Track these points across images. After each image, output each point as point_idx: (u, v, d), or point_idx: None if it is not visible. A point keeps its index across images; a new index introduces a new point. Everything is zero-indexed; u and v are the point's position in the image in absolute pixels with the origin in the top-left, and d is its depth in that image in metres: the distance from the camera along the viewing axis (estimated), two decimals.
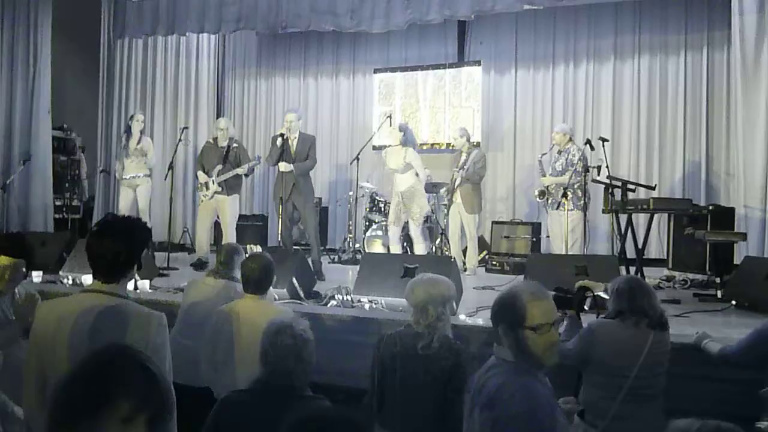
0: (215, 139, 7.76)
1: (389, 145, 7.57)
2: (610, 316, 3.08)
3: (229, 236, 7.53)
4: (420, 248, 7.24)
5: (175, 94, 10.34)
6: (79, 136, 10.36)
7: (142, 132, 8.03)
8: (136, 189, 7.96)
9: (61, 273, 5.98)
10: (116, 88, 9.82)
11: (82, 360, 1.40)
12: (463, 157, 7.63)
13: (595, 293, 3.35)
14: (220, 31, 9.10)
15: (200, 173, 7.72)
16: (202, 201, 7.75)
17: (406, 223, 7.37)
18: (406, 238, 7.70)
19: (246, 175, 7.90)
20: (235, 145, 7.76)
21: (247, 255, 3.77)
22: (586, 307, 3.40)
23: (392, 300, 4.79)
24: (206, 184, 7.63)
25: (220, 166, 7.58)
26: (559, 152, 7.24)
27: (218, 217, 7.84)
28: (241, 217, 8.50)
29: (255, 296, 3.37)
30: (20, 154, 8.86)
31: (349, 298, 5.09)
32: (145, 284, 5.65)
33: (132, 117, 8.13)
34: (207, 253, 7.71)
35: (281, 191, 6.93)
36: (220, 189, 7.57)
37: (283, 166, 6.88)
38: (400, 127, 7.29)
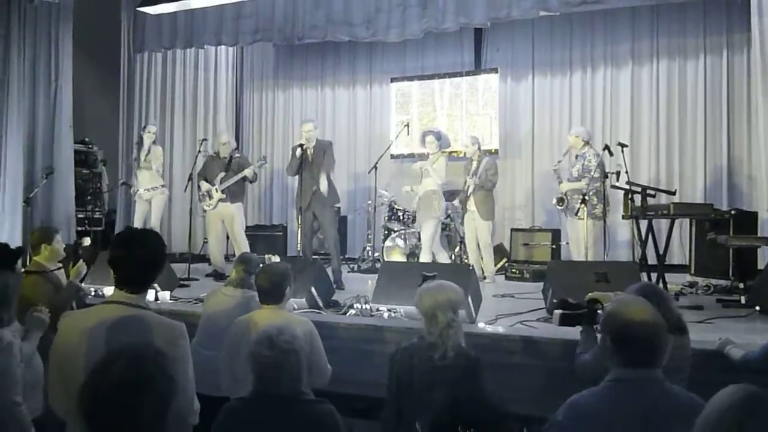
0: (217, 153, 7.86)
1: (409, 154, 7.61)
2: None
3: (241, 245, 7.57)
4: (425, 258, 7.32)
5: (194, 106, 10.44)
6: (100, 149, 10.48)
7: (154, 143, 8.07)
8: (151, 202, 8.00)
9: (83, 285, 6.04)
10: (136, 101, 9.94)
11: (109, 359, 1.45)
12: (474, 164, 7.65)
13: (607, 304, 3.32)
14: (238, 43, 9.18)
15: (202, 182, 7.74)
16: (205, 212, 7.79)
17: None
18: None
19: (251, 180, 7.90)
20: (237, 155, 7.84)
21: (263, 265, 3.80)
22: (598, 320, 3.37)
23: (411, 308, 4.74)
24: (209, 192, 7.65)
25: (222, 174, 7.63)
26: (576, 157, 7.21)
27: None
28: (260, 227, 8.58)
29: (272, 306, 3.38)
30: (43, 168, 8.98)
31: (368, 307, 5.10)
32: (165, 295, 5.70)
33: (145, 128, 8.21)
34: (222, 263, 7.76)
35: (301, 200, 6.97)
36: (223, 197, 7.60)
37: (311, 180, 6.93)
38: (433, 136, 7.65)
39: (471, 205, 7.57)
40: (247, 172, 7.62)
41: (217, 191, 7.61)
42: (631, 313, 2.20)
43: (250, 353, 2.44)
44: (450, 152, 9.80)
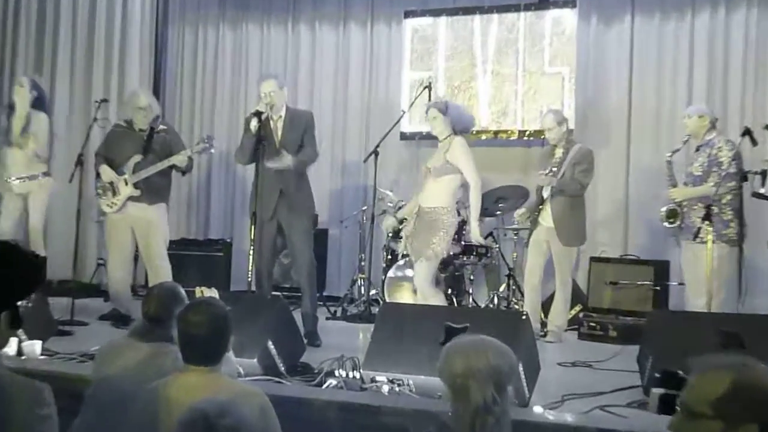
0: (129, 122, 7.85)
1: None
2: None
3: (159, 271, 7.57)
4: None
5: (88, 52, 10.51)
6: None
7: (35, 106, 8.02)
8: (28, 197, 7.99)
9: None
10: None
11: None
12: (558, 154, 7.64)
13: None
14: None
15: (103, 167, 7.70)
16: (104, 215, 7.79)
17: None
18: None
19: (184, 171, 7.89)
20: (162, 127, 7.84)
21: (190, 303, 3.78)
22: None
23: (426, 379, 4.76)
24: (113, 184, 7.64)
25: (138, 157, 7.62)
26: (698, 148, 7.20)
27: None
28: (188, 243, 8.55)
29: (202, 369, 3.36)
30: None
31: (357, 375, 5.09)
32: (34, 347, 5.67)
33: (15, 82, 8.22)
34: (127, 298, 7.75)
35: (258, 203, 6.94)
36: (137, 193, 7.59)
37: (273, 163, 6.89)
38: (439, 110, 7.11)
39: (546, 218, 7.58)
40: (178, 158, 7.59)
41: (126, 183, 7.59)
42: None
43: None
44: (496, 132, 9.82)
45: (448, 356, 2.97)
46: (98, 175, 7.77)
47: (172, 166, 7.67)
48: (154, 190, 7.68)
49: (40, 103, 8.12)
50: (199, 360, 3.38)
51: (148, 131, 7.72)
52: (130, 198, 7.61)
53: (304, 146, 7.10)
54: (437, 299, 6.95)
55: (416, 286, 7.12)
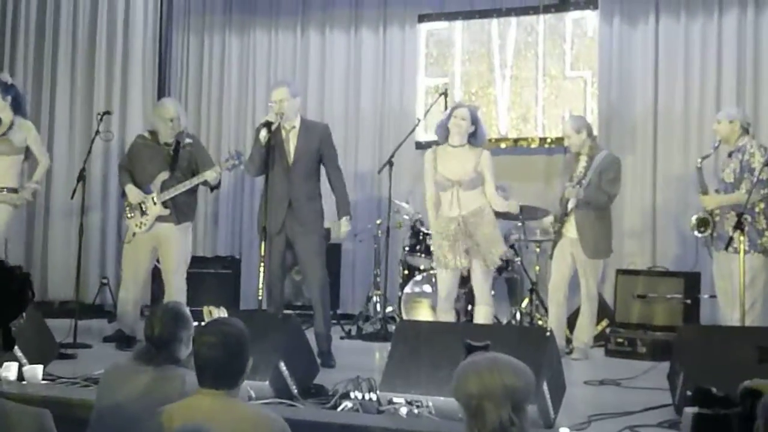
0: (154, 133, 7.85)
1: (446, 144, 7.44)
2: None
3: (175, 291, 7.58)
4: (484, 313, 7.15)
5: (89, 62, 10.54)
6: None
7: (16, 112, 7.88)
8: None
9: None
10: None
11: None
12: (583, 163, 7.62)
13: None
14: None
15: (130, 188, 7.73)
16: (133, 235, 7.75)
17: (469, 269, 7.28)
18: (469, 296, 7.64)
19: (213, 188, 7.94)
20: (188, 141, 7.82)
21: (201, 323, 3.78)
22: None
23: (446, 401, 4.75)
24: (141, 206, 7.67)
25: (165, 175, 7.65)
26: (730, 154, 7.18)
27: (158, 261, 7.89)
28: (195, 261, 8.54)
29: (216, 393, 3.36)
30: None
31: (373, 396, 5.08)
32: (35, 371, 5.68)
33: None
34: (135, 320, 7.75)
35: (268, 217, 6.96)
36: (166, 212, 7.62)
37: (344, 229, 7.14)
38: (470, 115, 7.19)
39: (570, 229, 7.56)
40: (210, 175, 7.60)
41: (154, 203, 7.61)
42: None
43: None
44: (516, 140, 9.82)
45: (462, 376, 2.96)
46: (124, 194, 7.80)
47: (203, 182, 7.68)
48: (181, 209, 7.72)
49: (18, 105, 7.96)
50: (213, 383, 3.37)
51: (173, 145, 7.73)
52: (159, 217, 7.63)
53: (327, 166, 7.13)
54: (490, 309, 7.15)
55: (477, 294, 7.15)
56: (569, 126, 7.72)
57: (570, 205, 7.54)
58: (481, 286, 7.12)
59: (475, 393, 2.87)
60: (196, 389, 3.43)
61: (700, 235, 7.28)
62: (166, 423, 3.30)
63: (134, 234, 7.74)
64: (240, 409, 3.38)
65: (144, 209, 7.65)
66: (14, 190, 7.87)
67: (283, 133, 7.03)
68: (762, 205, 6.83)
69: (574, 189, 7.47)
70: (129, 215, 7.75)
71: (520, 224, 8.42)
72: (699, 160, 7.43)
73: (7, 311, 2.33)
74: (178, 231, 7.71)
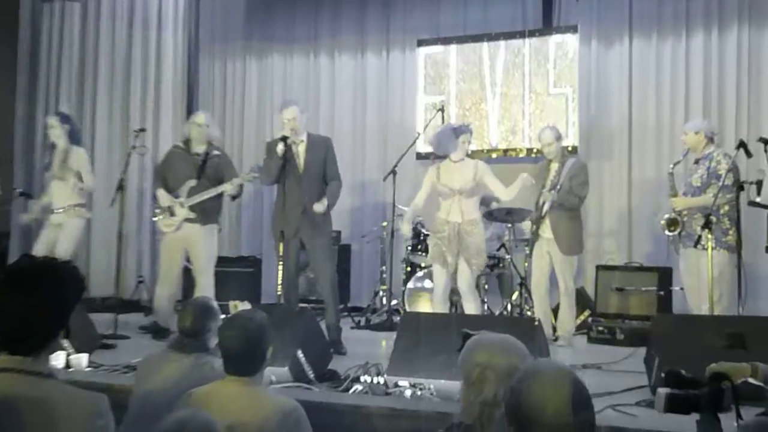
0: (187, 141, 7.84)
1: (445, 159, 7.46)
2: None
3: (203, 287, 7.56)
4: (471, 309, 7.18)
5: (126, 83, 10.56)
6: None
7: (72, 141, 8.01)
8: (60, 227, 7.90)
9: None
10: (42, 74, 10.02)
11: None
12: (554, 169, 7.61)
13: (739, 381, 3.24)
14: None
15: (161, 192, 7.73)
16: (165, 234, 7.77)
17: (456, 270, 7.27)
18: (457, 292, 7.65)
19: (235, 196, 7.94)
20: (215, 152, 7.83)
21: (227, 316, 3.78)
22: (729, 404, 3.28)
23: (446, 383, 4.75)
24: (171, 208, 7.66)
25: (193, 182, 7.65)
26: (697, 161, 7.15)
27: (188, 260, 7.90)
28: (221, 260, 8.52)
29: (240, 379, 3.36)
30: None
31: (381, 380, 5.10)
32: (80, 360, 5.70)
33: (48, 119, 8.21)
34: (169, 313, 7.74)
35: (284, 222, 6.98)
36: (192, 215, 7.62)
37: (319, 207, 7.02)
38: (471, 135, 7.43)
39: (545, 230, 7.54)
40: (230, 186, 7.59)
41: (182, 206, 7.61)
42: None
43: None
44: (506, 150, 9.83)
45: (473, 346, 2.95)
46: (155, 198, 7.82)
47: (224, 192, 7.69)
48: (207, 212, 7.68)
49: (74, 135, 8.15)
50: (237, 369, 3.39)
51: (203, 156, 7.72)
52: (186, 219, 7.64)
53: (328, 174, 7.16)
54: (477, 303, 7.27)
55: (461, 289, 7.22)
56: (550, 134, 7.66)
57: (545, 208, 7.53)
58: (467, 284, 7.16)
59: (482, 363, 2.86)
60: (223, 375, 3.44)
61: (669, 234, 7.24)
62: (194, 405, 3.30)
63: (164, 232, 7.76)
64: (261, 397, 3.39)
65: (173, 212, 7.66)
66: (82, 205, 8.06)
67: (294, 146, 7.07)
68: (726, 208, 6.78)
69: (549, 193, 7.48)
70: (159, 216, 7.76)
71: (510, 225, 8.41)
72: (671, 166, 7.39)
73: (71, 304, 2.33)
74: (203, 232, 7.68)
